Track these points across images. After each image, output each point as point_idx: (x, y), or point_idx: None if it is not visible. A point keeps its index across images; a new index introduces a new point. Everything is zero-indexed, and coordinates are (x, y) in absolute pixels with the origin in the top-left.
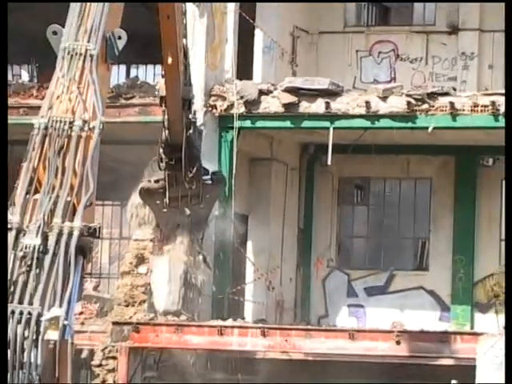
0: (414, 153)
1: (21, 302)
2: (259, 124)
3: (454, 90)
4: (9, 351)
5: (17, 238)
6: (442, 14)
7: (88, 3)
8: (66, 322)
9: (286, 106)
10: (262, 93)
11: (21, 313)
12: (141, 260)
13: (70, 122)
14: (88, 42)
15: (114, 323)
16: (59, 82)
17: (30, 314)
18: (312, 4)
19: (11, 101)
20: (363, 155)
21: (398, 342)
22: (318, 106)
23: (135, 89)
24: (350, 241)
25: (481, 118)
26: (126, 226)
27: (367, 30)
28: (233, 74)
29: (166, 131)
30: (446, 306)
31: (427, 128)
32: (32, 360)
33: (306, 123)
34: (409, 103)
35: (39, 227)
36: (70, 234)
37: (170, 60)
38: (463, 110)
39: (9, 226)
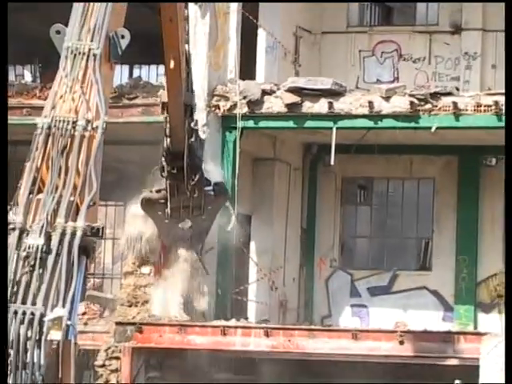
0: (417, 153)
1: (24, 302)
2: (262, 124)
3: (457, 89)
4: (12, 351)
5: (20, 238)
6: (444, 13)
7: (91, 2)
8: (69, 322)
9: (289, 106)
10: (264, 93)
11: (24, 313)
12: (144, 260)
13: (73, 122)
14: (91, 41)
15: (117, 323)
16: (62, 81)
17: (32, 314)
18: (315, 4)
19: (14, 101)
20: (366, 155)
21: (401, 342)
22: (321, 106)
23: (138, 89)
24: (353, 241)
25: (484, 118)
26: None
27: (370, 29)
28: (236, 74)
29: (168, 139)
30: (449, 306)
31: (430, 128)
32: (35, 360)
33: (309, 123)
34: (412, 103)
35: (42, 227)
36: (73, 234)
37: (172, 64)
38: (466, 110)
39: (12, 226)
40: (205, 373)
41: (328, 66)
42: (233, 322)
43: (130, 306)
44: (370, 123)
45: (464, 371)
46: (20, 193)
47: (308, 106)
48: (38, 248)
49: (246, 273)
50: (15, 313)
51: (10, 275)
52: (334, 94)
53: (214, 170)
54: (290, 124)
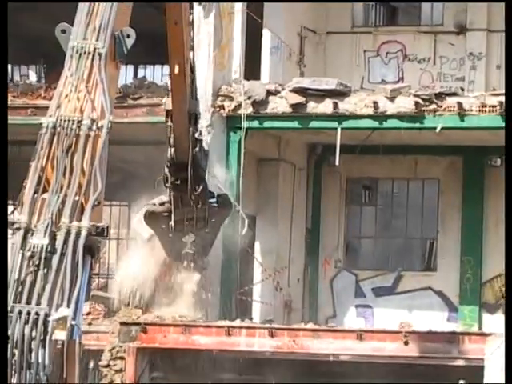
0: (421, 153)
1: (28, 302)
2: (267, 124)
3: (462, 90)
4: (16, 351)
5: (25, 238)
6: (449, 14)
7: (97, 2)
8: (73, 322)
9: (294, 106)
10: (269, 93)
11: (28, 313)
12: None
13: (79, 121)
14: (97, 40)
15: (122, 324)
16: (67, 80)
17: (37, 314)
18: (319, 4)
19: (19, 101)
20: (371, 155)
21: (405, 343)
22: (326, 107)
23: (143, 89)
24: (357, 241)
25: (488, 119)
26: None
27: (375, 30)
28: (240, 74)
29: (172, 149)
30: (453, 306)
31: (435, 128)
32: (40, 360)
33: (314, 123)
34: (417, 103)
35: (47, 227)
36: (78, 234)
37: (176, 70)
38: (471, 111)
39: (17, 226)
40: (209, 373)
41: (333, 67)
42: (237, 323)
43: (135, 307)
44: (375, 123)
45: (468, 372)
46: (25, 192)
47: (313, 107)
48: (42, 248)
49: (251, 273)
50: (20, 313)
51: (15, 275)
52: (339, 94)
53: (219, 173)
54: (295, 124)
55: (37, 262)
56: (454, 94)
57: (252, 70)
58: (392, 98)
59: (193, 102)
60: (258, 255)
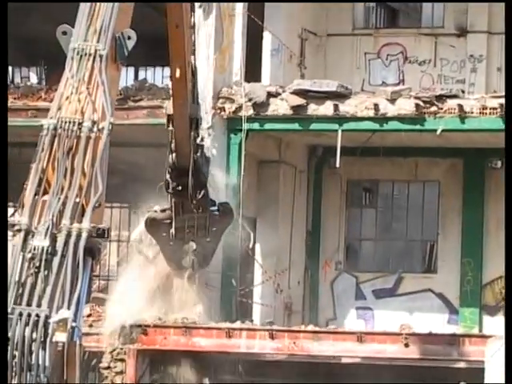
0: (422, 155)
1: (29, 303)
2: (267, 126)
3: (463, 92)
4: (17, 353)
5: (25, 240)
6: (450, 16)
7: (97, 3)
8: (74, 324)
9: (295, 108)
10: (270, 95)
11: (29, 315)
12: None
13: (79, 123)
14: (97, 42)
15: (123, 326)
16: (68, 82)
17: (38, 316)
18: (320, 6)
19: (19, 103)
20: (371, 158)
21: (406, 345)
22: (327, 109)
23: (143, 91)
24: (358, 243)
25: (489, 121)
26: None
27: (375, 32)
28: (241, 76)
29: (173, 154)
30: (454, 308)
31: (435, 130)
32: (40, 362)
33: (315, 125)
34: (417, 106)
35: (48, 229)
36: (79, 236)
37: (177, 73)
38: (472, 113)
39: (17, 228)
40: (210, 375)
41: (333, 69)
42: (238, 325)
43: None
44: (376, 126)
45: (469, 374)
46: (26, 194)
47: (313, 109)
48: (43, 249)
49: (251, 275)
50: (20, 314)
51: (16, 277)
52: (340, 96)
53: (219, 175)
54: (296, 126)
55: (37, 264)
56: (455, 97)
57: (253, 72)
58: (393, 100)
59: (194, 106)
60: (258, 257)
